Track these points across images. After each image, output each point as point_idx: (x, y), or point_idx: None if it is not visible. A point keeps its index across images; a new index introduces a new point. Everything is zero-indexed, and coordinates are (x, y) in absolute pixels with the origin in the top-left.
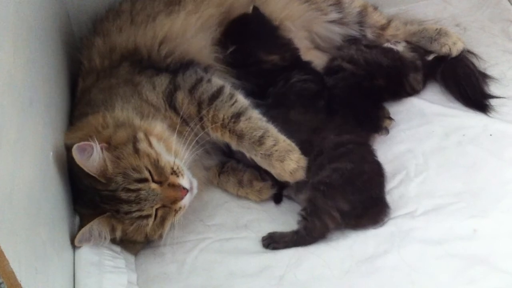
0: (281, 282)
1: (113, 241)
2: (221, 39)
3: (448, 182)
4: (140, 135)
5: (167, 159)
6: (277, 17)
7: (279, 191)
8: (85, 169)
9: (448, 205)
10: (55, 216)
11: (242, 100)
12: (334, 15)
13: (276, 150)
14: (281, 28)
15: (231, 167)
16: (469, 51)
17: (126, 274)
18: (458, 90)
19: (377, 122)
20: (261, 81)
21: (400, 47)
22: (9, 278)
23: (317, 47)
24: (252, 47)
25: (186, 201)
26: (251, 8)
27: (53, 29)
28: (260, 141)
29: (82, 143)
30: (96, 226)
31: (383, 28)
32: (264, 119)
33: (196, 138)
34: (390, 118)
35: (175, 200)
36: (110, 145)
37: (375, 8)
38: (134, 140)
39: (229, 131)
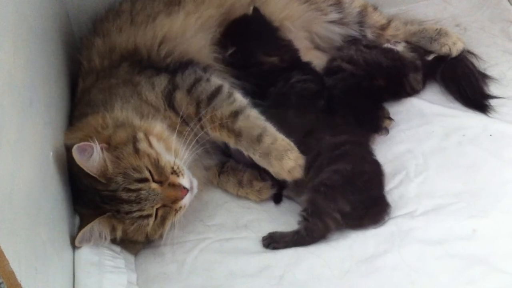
0: (281, 282)
1: (113, 241)
2: (221, 40)
3: (448, 182)
4: (140, 135)
5: (167, 159)
6: (277, 18)
7: (279, 191)
8: (85, 169)
9: (448, 205)
10: (55, 216)
11: (240, 99)
12: (334, 15)
13: (275, 149)
14: (281, 29)
15: (231, 167)
16: (469, 51)
17: (126, 274)
18: (458, 90)
19: (377, 122)
20: (261, 81)
21: (400, 47)
22: (9, 278)
23: (317, 47)
24: (252, 48)
25: (186, 200)
26: (251, 9)
27: (53, 29)
28: (258, 139)
29: (82, 143)
30: (97, 226)
31: (383, 28)
32: (263, 117)
33: (196, 138)
34: (390, 118)
35: (176, 200)
36: (110, 146)
37: (375, 8)
38: (134, 140)
39: (227, 129)
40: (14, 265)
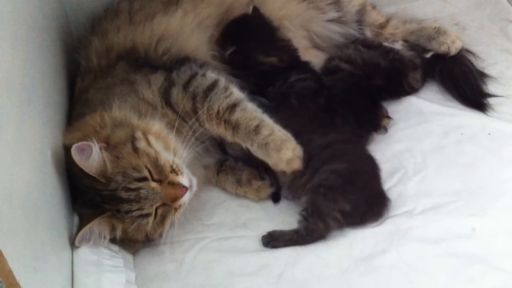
0: (279, 280)
1: (113, 240)
2: (221, 39)
3: (446, 181)
4: (139, 134)
5: (166, 157)
6: (276, 16)
7: (278, 190)
8: (85, 169)
9: (447, 204)
10: (54, 215)
11: (237, 92)
12: (332, 14)
13: (273, 140)
14: (280, 28)
15: (230, 165)
16: (467, 50)
17: (125, 273)
18: (456, 89)
19: (376, 121)
20: (260, 81)
21: (398, 46)
22: (8, 278)
23: (316, 46)
24: (251, 48)
25: (186, 199)
26: (251, 8)
27: (52, 29)
28: (256, 130)
29: (81, 143)
30: (96, 226)
31: (382, 26)
32: (260, 110)
33: (195, 135)
34: (388, 117)
35: (175, 198)
36: (108, 145)
37: (374, 7)
38: (133, 139)
39: (225, 121)
40: (13, 265)
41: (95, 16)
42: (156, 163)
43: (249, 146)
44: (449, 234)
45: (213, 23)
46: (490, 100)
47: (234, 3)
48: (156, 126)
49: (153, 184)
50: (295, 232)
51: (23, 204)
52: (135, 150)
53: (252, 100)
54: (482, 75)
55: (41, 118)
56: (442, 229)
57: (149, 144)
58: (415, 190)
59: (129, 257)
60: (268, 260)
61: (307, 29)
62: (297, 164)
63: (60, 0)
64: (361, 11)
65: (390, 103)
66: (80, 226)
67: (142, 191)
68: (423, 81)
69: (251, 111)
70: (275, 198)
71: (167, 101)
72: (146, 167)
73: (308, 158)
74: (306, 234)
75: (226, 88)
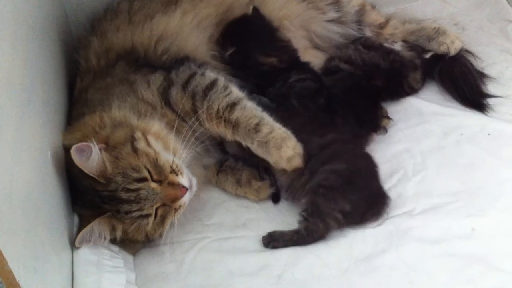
0: (279, 281)
1: (113, 241)
2: (221, 40)
3: (446, 181)
4: (138, 134)
5: (166, 157)
6: (276, 17)
7: (278, 191)
8: (85, 170)
9: (446, 204)
10: (54, 215)
11: (236, 91)
12: (332, 14)
13: (273, 137)
14: (280, 29)
15: (230, 166)
16: (467, 51)
17: (125, 273)
18: (455, 89)
19: (376, 121)
20: (260, 82)
21: (397, 47)
22: (8, 278)
23: (316, 47)
24: (251, 49)
25: (186, 199)
26: (251, 8)
27: (52, 29)
28: (256, 128)
29: (80, 144)
30: (97, 226)
31: (382, 26)
32: (259, 108)
33: (195, 135)
34: (388, 118)
35: (175, 199)
36: (108, 145)
37: (373, 7)
38: (132, 140)
39: (225, 120)
40: (13, 265)
41: (95, 16)
42: (155, 164)
43: (249, 145)
44: (448, 235)
45: (212, 23)
46: (490, 101)
47: (233, 3)
48: (156, 126)
49: (153, 185)
50: (295, 232)
51: (23, 204)
52: (135, 150)
53: (254, 99)
54: (482, 76)
55: (41, 118)
56: (441, 230)
57: (148, 144)
58: (414, 190)
59: (129, 257)
60: (268, 261)
61: (306, 29)
62: (297, 162)
63: (60, 0)
64: (361, 11)
65: (390, 104)
66: (80, 227)
67: (142, 191)
68: (423, 81)
69: (250, 109)
70: (275, 198)
71: (166, 101)
72: (145, 167)
73: (307, 159)
74: (306, 235)
75: (226, 87)
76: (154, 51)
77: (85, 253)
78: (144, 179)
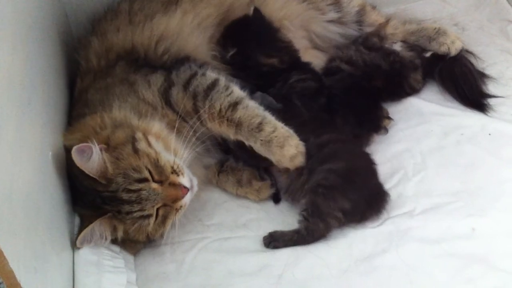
0: (279, 281)
1: (114, 241)
2: (222, 40)
3: (446, 181)
4: (139, 135)
5: (167, 158)
6: (276, 17)
7: (278, 191)
8: (85, 171)
9: (446, 204)
10: (54, 215)
11: (237, 90)
12: (332, 15)
13: (276, 136)
14: (281, 29)
15: (230, 166)
16: (467, 51)
17: (125, 273)
18: (456, 89)
19: (376, 122)
20: (261, 82)
21: (397, 47)
22: (9, 278)
23: (316, 47)
24: (252, 49)
25: (187, 199)
26: (251, 9)
27: (52, 29)
28: (259, 127)
29: (81, 144)
30: (98, 227)
31: (382, 27)
32: (261, 108)
33: (196, 135)
34: (389, 118)
35: (176, 199)
36: (109, 146)
37: (374, 7)
38: (133, 140)
39: (227, 120)
40: (14, 265)
41: (95, 16)
42: (156, 164)
43: (252, 144)
44: (448, 235)
45: (213, 23)
46: (490, 101)
47: (234, 3)
48: (156, 126)
49: (154, 185)
50: (296, 232)
51: (23, 205)
52: (136, 151)
53: (259, 98)
54: (482, 76)
55: (41, 118)
56: (441, 230)
57: (149, 144)
58: (414, 190)
59: (130, 257)
60: (268, 261)
61: (307, 29)
62: (300, 161)
63: (60, 0)
64: (361, 12)
65: (390, 104)
66: (81, 227)
67: (143, 192)
68: (424, 81)
69: (253, 108)
70: (276, 198)
71: (167, 101)
72: (146, 168)
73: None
74: (307, 234)
75: (227, 87)
76: (155, 52)
77: (85, 253)
78: (145, 180)
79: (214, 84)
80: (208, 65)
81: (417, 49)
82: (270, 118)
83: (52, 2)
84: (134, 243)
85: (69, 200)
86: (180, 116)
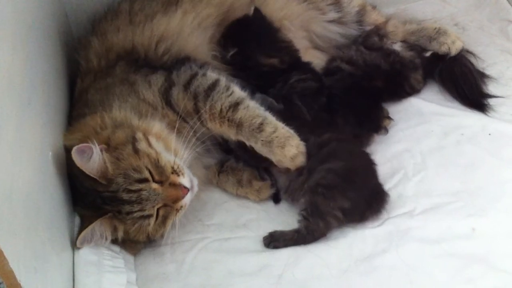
0: (279, 281)
1: (114, 241)
2: (222, 41)
3: (446, 181)
4: (139, 135)
5: (167, 158)
6: (276, 17)
7: (278, 191)
8: (86, 171)
9: (446, 204)
10: (54, 215)
11: (238, 91)
12: (333, 15)
13: (276, 137)
14: (281, 29)
15: (230, 166)
16: (467, 51)
17: (125, 273)
18: (456, 89)
19: (377, 122)
20: (261, 82)
21: (397, 47)
22: (9, 278)
23: (316, 47)
24: (252, 49)
25: (187, 199)
26: (252, 9)
27: (52, 29)
28: (260, 128)
29: (81, 145)
30: (98, 227)
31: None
32: (262, 108)
33: (196, 136)
34: (389, 118)
35: (176, 199)
36: (109, 146)
37: (374, 7)
38: (133, 140)
39: (228, 120)
40: (14, 265)
41: (96, 16)
42: (157, 164)
43: (253, 144)
44: (449, 235)
45: (213, 23)
46: (490, 101)
47: (234, 3)
48: (157, 126)
49: (154, 185)
50: (296, 231)
51: (23, 205)
52: (136, 151)
53: (259, 99)
54: (482, 76)
55: (41, 118)
56: (441, 230)
57: (149, 145)
58: (414, 190)
59: (130, 257)
60: (268, 261)
61: (307, 29)
62: (301, 160)
63: (60, 0)
64: (361, 12)
65: (390, 104)
66: (82, 228)
67: (143, 192)
68: (424, 81)
69: (253, 109)
70: (276, 198)
71: (168, 101)
72: (147, 168)
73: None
74: (307, 234)
75: (228, 87)
76: (155, 52)
77: (85, 253)
78: (145, 180)
79: (214, 84)
80: (209, 65)
81: (417, 49)
82: (271, 118)
83: (52, 2)
84: (134, 243)
85: (69, 200)
86: (180, 116)
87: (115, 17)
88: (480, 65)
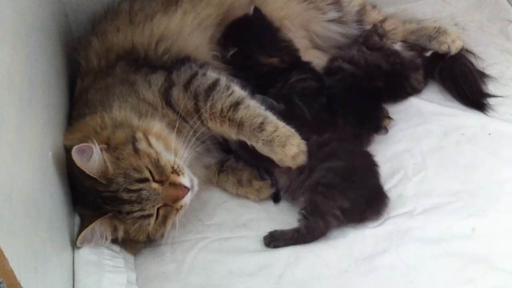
0: (279, 281)
1: (115, 241)
2: (222, 40)
3: (446, 181)
4: (139, 135)
5: (167, 158)
6: (276, 17)
7: (278, 191)
8: (86, 171)
9: (446, 204)
10: (55, 215)
11: (238, 90)
12: (333, 14)
13: (277, 136)
14: (281, 29)
15: (231, 166)
16: (467, 50)
17: (125, 273)
18: (455, 89)
19: (377, 122)
20: (261, 82)
21: (397, 47)
22: (9, 277)
23: (316, 47)
24: (252, 49)
25: (187, 199)
26: (252, 9)
27: (52, 29)
28: (261, 127)
29: (81, 144)
30: (98, 227)
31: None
32: (262, 107)
33: (196, 135)
34: (389, 118)
35: (177, 199)
36: (109, 146)
37: (374, 7)
38: (133, 140)
39: (229, 120)
40: (14, 264)
41: (96, 16)
42: (157, 164)
43: (254, 143)
44: (449, 234)
45: (213, 23)
46: (490, 100)
47: (234, 3)
48: (157, 126)
49: (154, 185)
50: (296, 231)
51: (23, 204)
52: (136, 151)
53: (260, 100)
54: (482, 75)
55: (41, 118)
56: (441, 229)
57: (149, 144)
58: (414, 190)
59: (130, 257)
60: (269, 260)
61: (307, 29)
62: (302, 159)
63: (60, 0)
64: (361, 11)
65: (391, 104)
66: (82, 227)
67: (143, 192)
68: (425, 81)
69: (254, 108)
70: (276, 198)
71: (168, 101)
72: (147, 168)
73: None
74: (307, 233)
75: (228, 87)
76: (155, 52)
77: (85, 253)
78: (145, 180)
79: (215, 84)
80: (209, 65)
81: (417, 48)
82: (271, 117)
83: (52, 2)
84: (134, 243)
85: (69, 200)
86: (180, 116)
87: (115, 17)
88: (480, 65)
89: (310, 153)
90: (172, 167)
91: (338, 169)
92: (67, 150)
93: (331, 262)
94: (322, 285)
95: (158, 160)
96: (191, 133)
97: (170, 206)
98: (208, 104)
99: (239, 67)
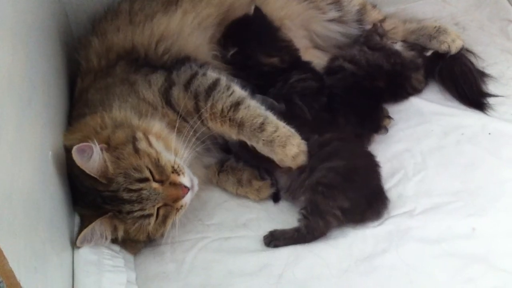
0: (279, 280)
1: (115, 241)
2: (222, 40)
3: (446, 181)
4: (139, 135)
5: (168, 157)
6: (277, 16)
7: (278, 190)
8: (86, 170)
9: (446, 204)
10: (54, 215)
11: (239, 90)
12: (333, 14)
13: (278, 136)
14: (282, 29)
15: (231, 166)
16: (467, 50)
17: (125, 273)
18: (456, 89)
19: (377, 121)
20: (261, 82)
21: (398, 47)
22: (8, 277)
23: (316, 46)
24: (252, 49)
25: (187, 199)
26: (252, 8)
27: (52, 29)
28: (261, 127)
29: (81, 144)
30: (98, 226)
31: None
32: (263, 107)
33: (196, 135)
34: (389, 117)
35: (177, 199)
36: (109, 146)
37: (374, 6)
38: (134, 140)
39: (229, 120)
40: (13, 264)
41: (96, 16)
42: (157, 164)
43: (254, 144)
44: (449, 234)
45: (213, 23)
46: (490, 100)
47: (234, 3)
48: (157, 126)
49: (155, 185)
50: (296, 230)
51: (23, 204)
52: (136, 150)
53: (260, 100)
54: (482, 75)
55: (41, 118)
56: (442, 229)
57: (150, 144)
58: (415, 190)
59: (130, 257)
60: (269, 260)
61: (307, 29)
62: (302, 159)
63: (60, 0)
64: (362, 11)
65: (391, 104)
66: (82, 227)
67: (143, 191)
68: (426, 81)
69: (254, 108)
70: (276, 198)
71: (168, 101)
72: (147, 167)
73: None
74: (307, 232)
75: (228, 87)
76: (155, 51)
77: (85, 253)
78: (145, 179)
79: (215, 84)
80: (209, 65)
81: (417, 48)
82: (272, 117)
83: (52, 2)
84: (134, 243)
85: (69, 200)
86: (180, 116)
87: (115, 17)
88: (480, 64)
89: (311, 153)
90: (172, 167)
91: (339, 169)
92: (67, 150)
93: (331, 262)
94: (322, 285)
95: (158, 160)
96: (191, 133)
97: (170, 205)
98: (209, 104)
99: (239, 67)
